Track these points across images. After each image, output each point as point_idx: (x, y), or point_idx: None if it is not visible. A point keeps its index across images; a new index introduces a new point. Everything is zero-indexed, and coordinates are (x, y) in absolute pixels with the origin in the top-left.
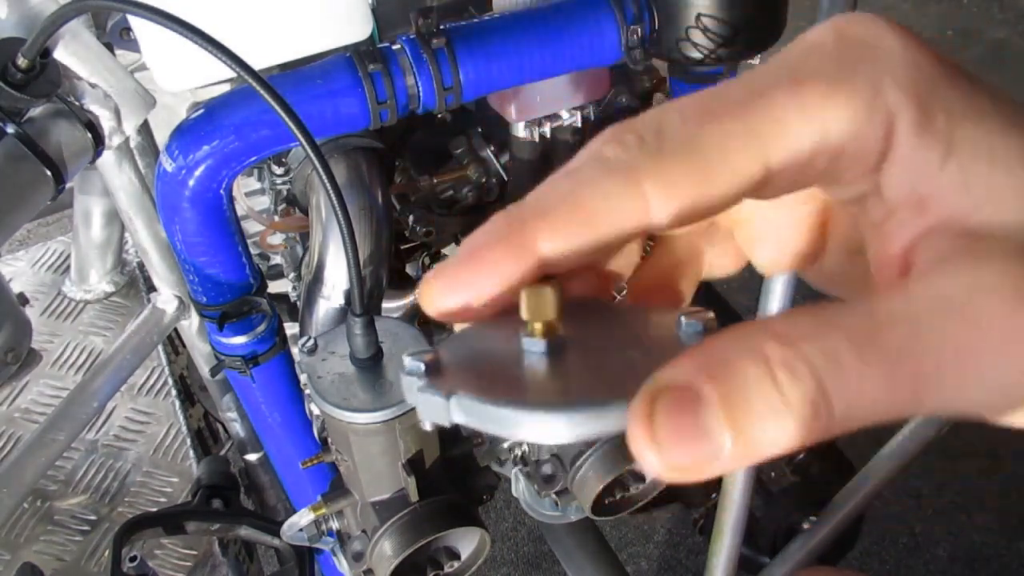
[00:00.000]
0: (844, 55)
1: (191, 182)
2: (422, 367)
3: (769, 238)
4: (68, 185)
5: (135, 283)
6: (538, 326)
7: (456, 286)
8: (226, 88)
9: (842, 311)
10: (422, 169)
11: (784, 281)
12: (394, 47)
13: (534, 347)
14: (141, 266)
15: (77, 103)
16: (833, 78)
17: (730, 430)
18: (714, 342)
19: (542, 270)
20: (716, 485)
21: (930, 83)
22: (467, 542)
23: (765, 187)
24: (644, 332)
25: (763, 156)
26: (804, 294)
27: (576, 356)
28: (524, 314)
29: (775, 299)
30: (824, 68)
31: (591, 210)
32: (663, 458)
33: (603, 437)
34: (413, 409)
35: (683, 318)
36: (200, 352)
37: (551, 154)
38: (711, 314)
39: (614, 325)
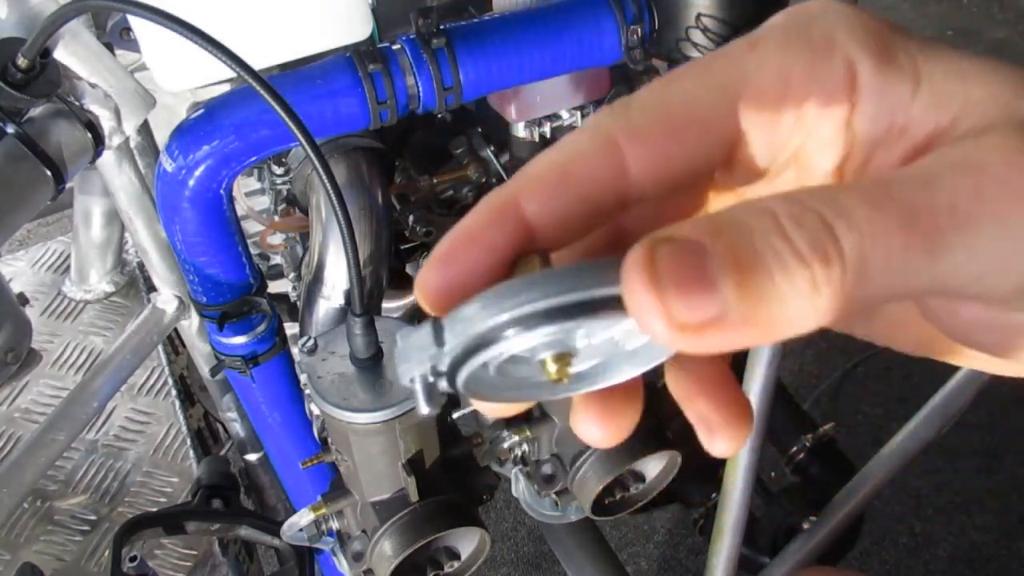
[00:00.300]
0: (797, 22)
1: (191, 182)
2: (408, 328)
3: None
4: (68, 185)
5: (135, 283)
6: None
7: (448, 263)
8: (226, 88)
9: (850, 183)
10: (422, 169)
11: None
12: (394, 47)
13: None
14: (141, 266)
15: (77, 103)
16: (789, 36)
17: (735, 279)
18: (719, 211)
19: (533, 241)
20: (716, 485)
21: (883, 34)
22: (467, 542)
23: (737, 148)
24: None
25: (729, 107)
26: None
27: None
28: None
29: None
30: (779, 32)
31: (570, 170)
32: (664, 309)
33: (600, 307)
34: (413, 409)
35: None
36: (200, 352)
37: None
38: None
39: None
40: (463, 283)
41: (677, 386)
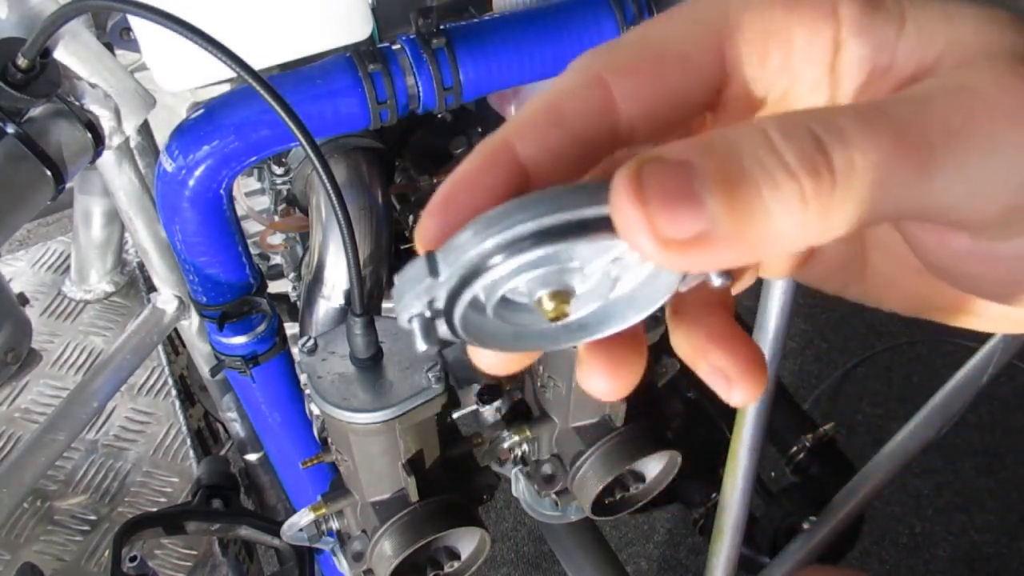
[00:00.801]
0: None
1: (191, 182)
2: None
3: None
4: (68, 185)
5: (135, 283)
6: None
7: (445, 209)
8: (226, 88)
9: (843, 104)
10: (422, 169)
11: (784, 281)
12: (394, 47)
13: None
14: (141, 266)
15: (77, 103)
16: None
17: (722, 194)
18: (710, 130)
19: (528, 182)
20: (716, 485)
21: None
22: (467, 542)
23: (725, 88)
24: None
25: (712, 43)
26: (804, 298)
27: None
28: None
29: (775, 300)
30: None
31: (559, 108)
32: (651, 226)
33: (590, 227)
34: (413, 409)
35: None
36: (200, 352)
37: None
38: None
39: None
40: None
41: (687, 343)
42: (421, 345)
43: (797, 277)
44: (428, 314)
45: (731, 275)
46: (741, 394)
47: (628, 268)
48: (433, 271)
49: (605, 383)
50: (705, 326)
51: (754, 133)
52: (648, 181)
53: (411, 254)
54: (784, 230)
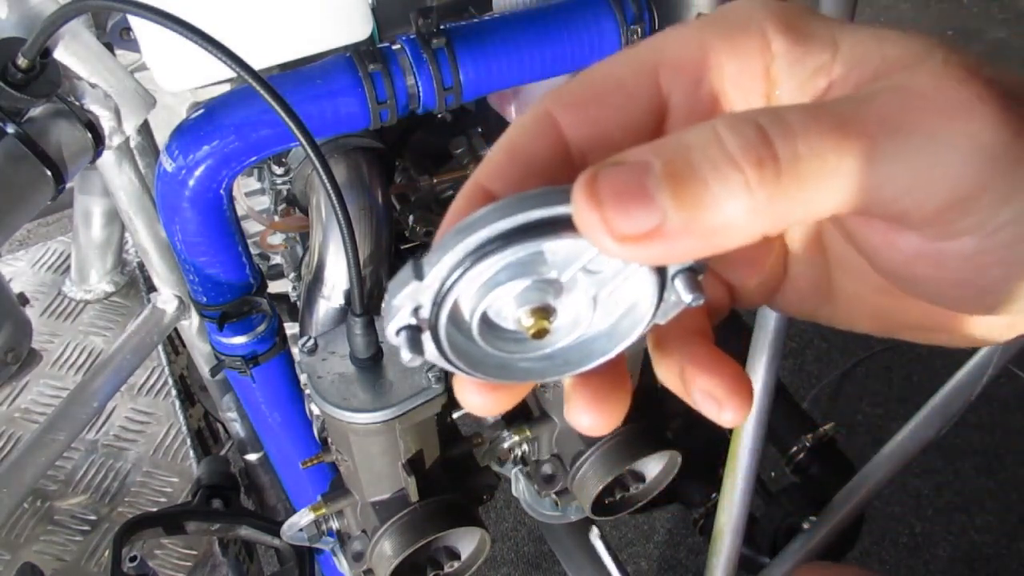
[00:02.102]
0: (719, 9)
1: (191, 182)
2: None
3: (736, 265)
4: (68, 185)
5: (135, 283)
6: None
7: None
8: (226, 88)
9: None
10: (422, 169)
11: None
12: (394, 47)
13: None
14: (141, 266)
15: (77, 103)
16: (709, 17)
17: (671, 189)
18: (670, 135)
19: None
20: (716, 485)
21: (799, 12)
22: (467, 542)
23: (666, 119)
24: None
25: (649, 75)
26: None
27: None
28: None
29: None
30: (701, 17)
31: (516, 145)
32: (606, 223)
33: (557, 225)
34: (413, 409)
35: None
36: (200, 352)
37: None
38: None
39: None
40: None
41: (673, 373)
42: (407, 355)
43: (770, 305)
44: (414, 322)
45: (703, 295)
46: (731, 414)
47: (604, 284)
48: (418, 274)
49: (591, 419)
50: (688, 355)
51: (703, 129)
52: (603, 182)
53: (411, 254)
54: (734, 219)
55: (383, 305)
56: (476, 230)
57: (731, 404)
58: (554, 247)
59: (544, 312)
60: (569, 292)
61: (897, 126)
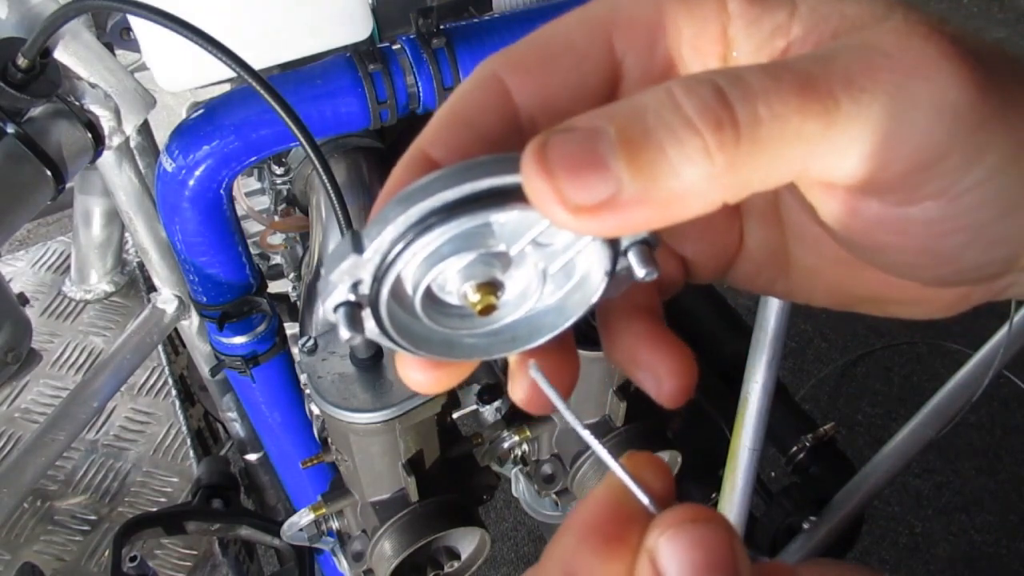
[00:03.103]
0: None
1: (191, 182)
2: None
3: (690, 237)
4: (68, 185)
5: (135, 283)
6: None
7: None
8: (226, 88)
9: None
10: None
11: None
12: (394, 47)
13: None
14: (141, 266)
15: (77, 103)
16: None
17: (626, 156)
18: (623, 98)
19: None
20: (716, 485)
21: None
22: (467, 542)
23: (619, 81)
24: None
25: (602, 36)
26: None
27: None
28: None
29: (774, 300)
30: None
31: (460, 109)
32: (558, 193)
33: (506, 195)
34: (413, 409)
35: None
36: (200, 352)
37: None
38: None
39: None
40: None
41: (616, 348)
42: (345, 333)
43: (724, 279)
44: (353, 298)
45: (656, 269)
46: (671, 391)
47: (554, 257)
48: (357, 247)
49: (534, 394)
50: (633, 332)
51: (658, 92)
52: (553, 149)
53: None
54: (692, 186)
55: (319, 282)
56: (419, 200)
57: (671, 382)
58: (502, 219)
59: (491, 287)
60: (517, 266)
61: (861, 86)
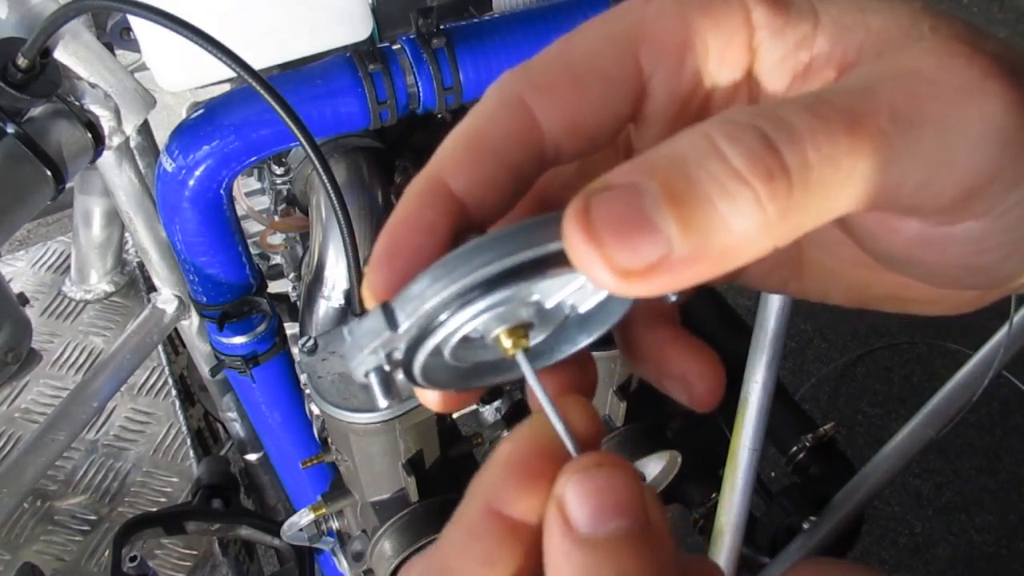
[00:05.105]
0: None
1: (191, 182)
2: (356, 320)
3: None
4: (68, 185)
5: (135, 283)
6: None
7: (392, 257)
8: (226, 88)
9: (787, 98)
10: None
11: None
12: (394, 47)
13: None
14: (141, 266)
15: (77, 103)
16: None
17: (675, 214)
18: (657, 145)
19: (466, 215)
20: (716, 485)
21: None
22: None
23: (644, 102)
24: None
25: (630, 56)
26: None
27: None
28: None
29: (774, 300)
30: None
31: (482, 135)
32: (606, 260)
33: (548, 263)
34: (413, 409)
35: None
36: (200, 352)
37: None
38: None
39: None
40: (412, 275)
41: (642, 359)
42: (383, 402)
43: (736, 281)
44: (387, 368)
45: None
46: (702, 397)
47: (588, 295)
48: (392, 324)
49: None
50: (657, 340)
51: (699, 141)
52: (597, 212)
53: None
54: (745, 239)
55: (346, 346)
56: (457, 279)
57: (702, 387)
58: (543, 285)
59: (522, 329)
60: (550, 305)
61: (909, 119)
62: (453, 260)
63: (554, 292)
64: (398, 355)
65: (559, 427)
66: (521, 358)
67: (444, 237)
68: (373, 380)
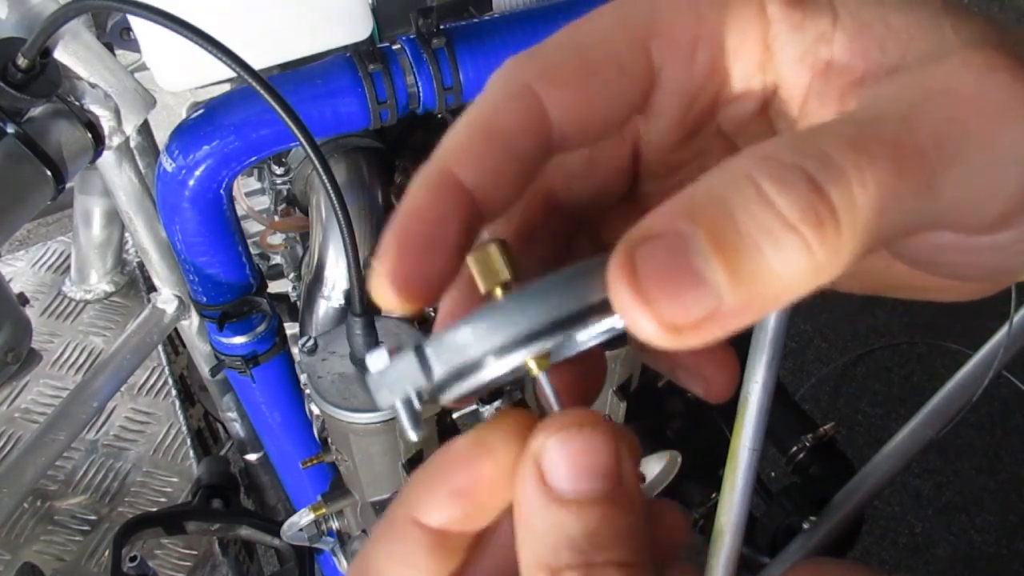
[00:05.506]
0: None
1: (191, 182)
2: (386, 353)
3: None
4: (68, 185)
5: (135, 283)
6: (497, 291)
7: (404, 250)
8: (226, 88)
9: (822, 124)
10: None
11: None
12: (394, 47)
13: None
14: (141, 266)
15: (77, 103)
16: None
17: (724, 266)
18: (694, 184)
19: (476, 206)
20: (716, 485)
21: None
22: None
23: (653, 92)
24: None
25: (642, 45)
26: (804, 297)
27: None
28: (479, 284)
29: None
30: None
31: (491, 125)
32: (655, 315)
33: (588, 316)
34: None
35: None
36: (200, 352)
37: None
38: None
39: None
40: (424, 268)
41: (656, 354)
42: (412, 436)
43: None
44: (418, 406)
45: None
46: (719, 389)
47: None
48: (427, 370)
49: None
50: None
51: (743, 185)
52: (643, 266)
53: None
54: (795, 282)
55: (368, 376)
56: (500, 336)
57: (719, 380)
58: (581, 332)
59: (548, 354)
60: (580, 339)
61: (951, 145)
62: (495, 313)
63: (591, 333)
64: (427, 395)
65: (547, 388)
66: (544, 379)
67: (454, 228)
68: (403, 413)
